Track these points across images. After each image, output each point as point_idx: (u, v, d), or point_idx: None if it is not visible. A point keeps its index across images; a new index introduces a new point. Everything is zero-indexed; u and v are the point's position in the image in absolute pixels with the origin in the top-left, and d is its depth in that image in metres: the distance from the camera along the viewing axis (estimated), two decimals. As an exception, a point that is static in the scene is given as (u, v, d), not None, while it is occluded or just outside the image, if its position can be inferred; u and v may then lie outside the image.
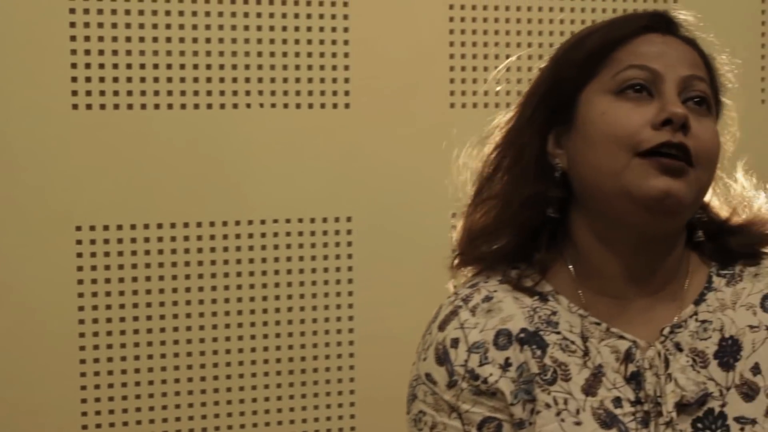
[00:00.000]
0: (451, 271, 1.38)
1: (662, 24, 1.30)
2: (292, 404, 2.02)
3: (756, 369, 1.25)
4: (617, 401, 1.22)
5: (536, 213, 1.28)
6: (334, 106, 2.00)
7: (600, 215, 1.24)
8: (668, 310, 1.27)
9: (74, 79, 1.88)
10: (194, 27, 1.92)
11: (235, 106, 1.95)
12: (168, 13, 1.90)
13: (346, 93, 2.01)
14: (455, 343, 1.26)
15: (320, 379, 2.04)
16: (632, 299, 1.26)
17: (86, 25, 1.88)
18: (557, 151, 1.27)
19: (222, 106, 1.94)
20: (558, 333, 1.25)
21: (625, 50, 1.25)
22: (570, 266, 1.27)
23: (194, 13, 1.91)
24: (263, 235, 1.98)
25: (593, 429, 1.21)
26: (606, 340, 1.24)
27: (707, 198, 1.31)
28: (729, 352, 1.25)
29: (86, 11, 1.87)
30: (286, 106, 1.98)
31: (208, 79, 1.93)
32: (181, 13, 1.91)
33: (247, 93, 1.96)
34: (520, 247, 1.30)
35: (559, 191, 1.26)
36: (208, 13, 1.92)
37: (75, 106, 1.89)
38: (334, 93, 2.00)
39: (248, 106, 1.96)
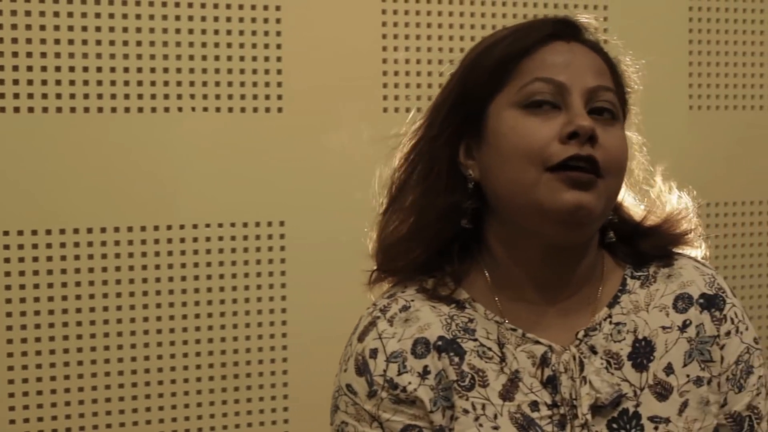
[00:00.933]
0: (369, 287, 1.39)
1: (567, 30, 1.30)
2: (225, 410, 2.01)
3: (669, 369, 1.27)
4: (534, 405, 1.23)
5: (450, 224, 1.28)
6: (267, 110, 1.99)
7: (513, 225, 1.25)
8: (583, 313, 1.29)
9: (2, 82, 1.85)
10: (125, 30, 1.90)
11: (166, 109, 1.93)
12: (98, 15, 1.88)
13: (279, 97, 2.00)
14: (374, 353, 1.26)
15: (253, 385, 2.03)
16: (547, 305, 1.28)
17: (14, 27, 1.85)
18: (469, 162, 1.27)
19: (153, 109, 1.93)
20: (475, 340, 1.26)
21: (531, 60, 1.26)
22: (486, 273, 1.29)
23: (125, 16, 1.90)
24: (195, 239, 1.97)
25: None
26: (522, 345, 1.26)
27: (619, 198, 1.33)
28: (642, 353, 1.27)
29: (13, 13, 1.85)
30: (218, 109, 1.97)
31: (140, 83, 1.91)
32: (111, 16, 1.89)
33: (179, 97, 1.94)
34: (436, 256, 1.30)
35: (473, 202, 1.27)
36: (138, 16, 1.91)
37: (2, 109, 1.86)
38: (267, 97, 1.99)
39: (180, 109, 1.94)
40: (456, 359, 1.25)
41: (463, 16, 2.12)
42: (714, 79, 2.36)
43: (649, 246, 1.34)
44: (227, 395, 2.01)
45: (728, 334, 1.30)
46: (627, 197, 1.36)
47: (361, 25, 2.05)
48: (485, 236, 1.29)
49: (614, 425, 1.25)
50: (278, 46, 2.00)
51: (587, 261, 1.29)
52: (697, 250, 1.37)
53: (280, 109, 2.00)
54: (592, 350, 1.26)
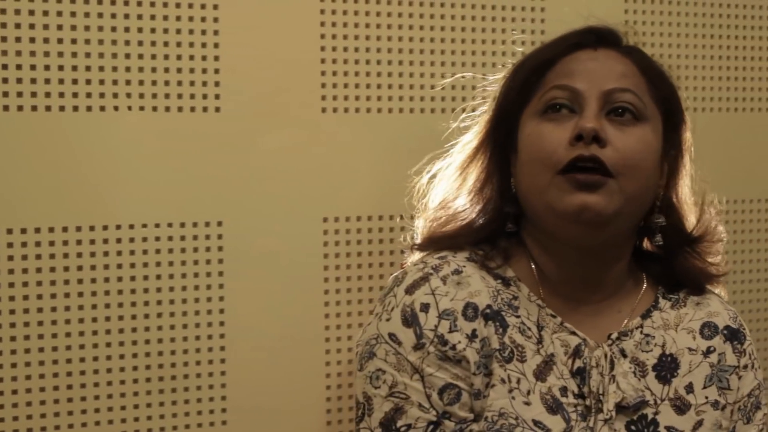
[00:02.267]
0: (410, 251, 1.43)
1: (592, 39, 1.34)
2: (162, 411, 2.00)
3: (690, 388, 1.33)
4: (564, 390, 1.27)
5: (497, 227, 1.33)
6: (204, 109, 1.98)
7: (541, 229, 1.30)
8: (615, 318, 1.34)
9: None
10: (59, 27, 1.88)
11: (102, 108, 1.92)
12: (32, 12, 1.85)
13: (216, 96, 1.99)
14: (425, 307, 1.29)
15: (191, 387, 2.01)
16: (581, 303, 1.33)
17: (-55, 23, 1.82)
18: (514, 171, 1.33)
19: (89, 108, 1.91)
20: (518, 317, 1.30)
21: (553, 71, 1.31)
22: (532, 264, 1.33)
23: (59, 13, 1.87)
24: (131, 239, 1.95)
25: (540, 412, 1.26)
26: (558, 333, 1.30)
27: (679, 204, 1.37)
28: (667, 367, 1.33)
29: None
30: (154, 109, 1.95)
31: (74, 81, 1.89)
32: (45, 13, 1.86)
33: (115, 95, 1.92)
34: (483, 239, 1.36)
35: (516, 208, 1.32)
36: (73, 14, 1.88)
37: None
38: (204, 96, 1.98)
39: (116, 108, 1.92)
40: (500, 330, 1.28)
41: (401, 17, 2.12)
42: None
43: (685, 270, 1.38)
44: (164, 397, 1.99)
45: (746, 367, 1.38)
46: (683, 205, 1.39)
47: (299, 25, 2.05)
48: (524, 239, 1.33)
49: (633, 427, 1.29)
50: (216, 46, 1.99)
51: (619, 265, 1.33)
52: (721, 290, 1.44)
53: (217, 109, 1.99)
54: (622, 353, 1.31)
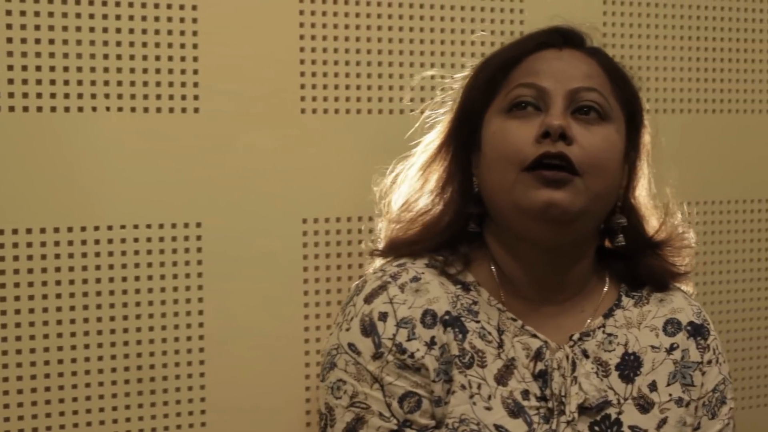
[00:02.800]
0: (371, 258, 1.43)
1: (557, 39, 1.34)
2: (141, 413, 1.99)
3: (653, 386, 1.33)
4: (525, 394, 1.28)
5: (460, 227, 1.33)
6: (183, 110, 1.98)
7: (506, 228, 1.29)
8: (577, 319, 1.34)
9: None
10: (37, 27, 1.87)
11: (80, 109, 1.91)
12: (9, 12, 1.84)
13: (195, 97, 1.99)
14: (384, 316, 1.29)
15: (170, 387, 2.01)
16: (543, 304, 1.33)
17: None
18: (476, 171, 1.32)
19: (67, 109, 1.90)
20: (477, 322, 1.30)
21: (519, 70, 1.31)
22: (492, 267, 1.33)
23: (37, 13, 1.86)
24: (110, 241, 1.95)
25: (501, 416, 1.26)
26: (519, 336, 1.30)
27: (638, 206, 1.37)
28: (630, 366, 1.33)
29: None
30: (133, 109, 1.94)
31: (52, 82, 1.88)
32: (23, 13, 1.85)
33: (93, 96, 1.92)
34: (445, 242, 1.35)
35: (478, 208, 1.32)
36: (51, 14, 1.87)
37: None
38: (183, 97, 1.98)
39: (94, 109, 1.92)
40: (459, 336, 1.28)
41: (381, 18, 2.12)
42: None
43: (648, 270, 1.38)
44: (143, 399, 1.99)
45: (710, 362, 1.37)
46: (642, 207, 1.39)
47: (278, 26, 2.05)
48: (487, 240, 1.33)
49: (596, 428, 1.29)
50: (194, 46, 1.98)
51: (581, 267, 1.33)
52: (686, 286, 1.43)
53: (196, 110, 1.99)
54: (584, 354, 1.30)
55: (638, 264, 1.40)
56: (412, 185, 1.42)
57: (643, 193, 1.41)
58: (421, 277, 1.33)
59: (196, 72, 1.99)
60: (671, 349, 1.36)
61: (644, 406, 1.33)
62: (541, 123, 1.26)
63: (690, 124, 2.48)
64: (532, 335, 1.31)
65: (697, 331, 1.39)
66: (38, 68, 1.87)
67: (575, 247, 1.33)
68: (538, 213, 1.24)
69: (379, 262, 1.42)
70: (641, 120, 1.39)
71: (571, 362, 1.30)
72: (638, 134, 1.38)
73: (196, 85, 1.99)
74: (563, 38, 1.36)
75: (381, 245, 1.42)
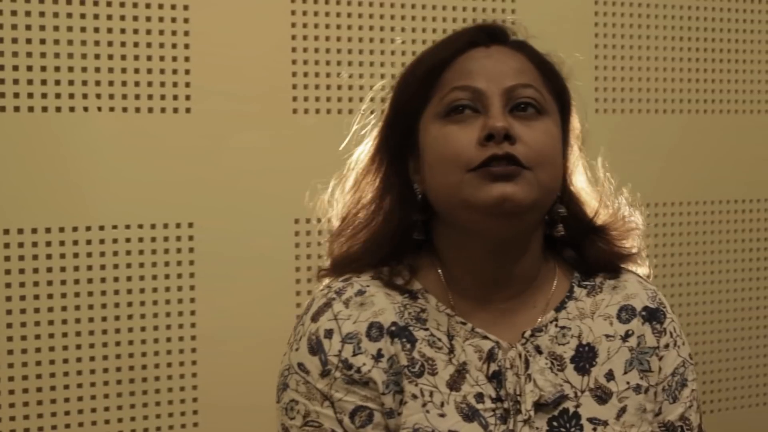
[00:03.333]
0: (317, 279, 1.41)
1: (485, 37, 1.34)
2: (133, 414, 1.99)
3: (610, 375, 1.32)
4: (479, 397, 1.27)
5: (404, 237, 1.33)
6: (175, 110, 1.98)
7: (456, 228, 1.29)
8: (529, 314, 1.33)
9: None
10: (28, 27, 1.87)
11: (72, 109, 1.91)
12: (0, 12, 1.84)
13: (187, 97, 1.99)
14: (329, 333, 1.29)
15: (162, 388, 2.01)
16: (494, 303, 1.32)
17: None
18: (416, 177, 1.32)
19: (58, 109, 1.90)
20: (426, 329, 1.30)
21: (450, 71, 1.30)
22: (439, 270, 1.32)
23: (28, 13, 1.87)
24: (102, 241, 1.95)
25: (456, 421, 1.26)
26: (470, 339, 1.29)
27: (576, 193, 1.37)
28: (585, 357, 1.32)
29: None
30: (125, 109, 1.95)
31: (44, 82, 1.88)
32: (14, 13, 1.86)
33: (85, 96, 1.92)
34: (391, 252, 1.34)
35: (423, 214, 1.31)
36: (42, 14, 1.88)
37: None
38: (175, 97, 1.98)
39: (86, 109, 1.92)
40: (408, 345, 1.28)
41: (372, 18, 2.13)
42: (619, 83, 2.41)
43: (596, 256, 1.38)
44: (135, 398, 1.99)
45: (667, 346, 1.36)
46: (581, 193, 1.39)
47: (270, 26, 2.05)
48: (435, 243, 1.33)
49: (555, 423, 1.29)
50: (186, 46, 1.99)
51: (530, 258, 1.32)
52: (641, 268, 1.43)
53: (188, 110, 1.99)
54: (538, 350, 1.30)
55: (585, 250, 1.40)
56: (348, 199, 1.41)
57: (580, 179, 1.41)
58: (366, 290, 1.32)
59: (188, 72, 1.99)
60: (626, 337, 1.36)
61: (602, 396, 1.32)
62: (483, 126, 1.25)
63: (689, 124, 2.49)
64: (483, 337, 1.31)
65: (652, 315, 1.38)
66: (29, 68, 1.88)
67: (522, 239, 1.32)
68: (492, 207, 1.24)
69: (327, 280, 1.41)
70: (571, 108, 1.39)
71: (524, 360, 1.30)
72: (570, 122, 1.39)
73: (188, 85, 1.99)
74: (489, 35, 1.35)
75: (326, 264, 1.40)
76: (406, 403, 1.27)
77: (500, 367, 1.29)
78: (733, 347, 2.56)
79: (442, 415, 1.26)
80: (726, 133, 2.54)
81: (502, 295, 1.33)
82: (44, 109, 1.89)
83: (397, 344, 1.29)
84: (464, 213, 1.26)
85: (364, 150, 1.40)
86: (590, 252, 1.39)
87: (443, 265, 1.34)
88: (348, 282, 1.34)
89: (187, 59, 1.99)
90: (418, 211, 1.32)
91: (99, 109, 1.93)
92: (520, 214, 1.26)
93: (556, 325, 1.33)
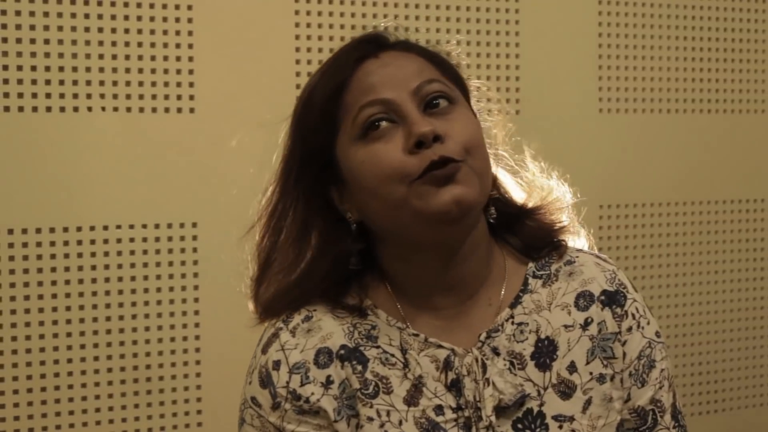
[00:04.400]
0: (260, 322, 1.37)
1: (371, 47, 1.31)
2: (137, 414, 1.99)
3: (572, 367, 1.29)
4: (439, 409, 1.24)
5: (340, 267, 1.29)
6: (179, 110, 1.98)
7: (402, 244, 1.26)
8: (485, 315, 1.30)
9: None
10: (32, 27, 1.87)
11: (75, 109, 1.91)
12: (4, 12, 1.84)
13: (191, 98, 1.99)
14: (277, 365, 1.27)
15: (166, 388, 2.01)
16: (448, 309, 1.29)
17: None
18: (346, 206, 1.28)
19: (62, 109, 1.90)
20: (378, 347, 1.27)
21: (350, 92, 1.26)
22: (387, 284, 1.30)
23: (32, 13, 1.86)
24: (106, 241, 1.95)
25: None
26: (425, 350, 1.27)
27: (501, 179, 1.35)
28: (545, 352, 1.29)
29: None
30: (129, 109, 1.95)
31: (48, 82, 1.88)
32: (17, 13, 1.85)
33: (89, 96, 1.92)
34: (330, 283, 1.31)
35: (358, 243, 1.28)
36: (47, 14, 1.88)
37: None
38: (179, 97, 1.98)
39: (90, 109, 1.92)
40: (359, 367, 1.26)
41: (377, 18, 2.13)
42: (623, 83, 2.41)
43: (531, 234, 1.35)
44: (139, 399, 1.99)
45: (630, 330, 1.31)
46: (506, 178, 1.38)
47: (274, 26, 2.05)
48: (378, 262, 1.30)
49: (519, 425, 1.26)
50: (190, 46, 1.98)
51: (479, 256, 1.29)
52: (577, 239, 1.39)
53: (192, 110, 1.99)
54: (495, 352, 1.27)
55: (520, 232, 1.37)
56: (265, 243, 1.37)
57: (499, 169, 1.39)
58: (313, 315, 1.29)
59: (191, 72, 1.99)
60: (586, 325, 1.31)
61: (566, 391, 1.28)
62: (408, 134, 1.22)
63: (690, 124, 2.49)
64: (437, 346, 1.28)
65: (612, 299, 1.33)
66: (33, 68, 1.88)
67: (468, 238, 1.30)
68: (445, 213, 1.21)
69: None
70: (470, 92, 1.37)
71: (480, 364, 1.27)
72: (471, 106, 1.37)
73: (191, 85, 1.99)
74: (374, 45, 1.33)
75: (258, 311, 1.36)
76: (362, 426, 1.25)
77: (458, 375, 1.26)
78: (733, 347, 2.56)
79: None
80: (726, 133, 2.54)
81: (455, 299, 1.29)
82: (48, 109, 1.89)
83: (347, 368, 1.26)
84: (416, 226, 1.22)
85: (270, 194, 1.36)
86: (525, 231, 1.36)
87: (390, 279, 1.30)
88: (296, 309, 1.31)
89: (191, 59, 1.99)
90: (353, 240, 1.29)
91: (103, 109, 1.93)
92: (470, 212, 1.24)
93: (513, 323, 1.29)
